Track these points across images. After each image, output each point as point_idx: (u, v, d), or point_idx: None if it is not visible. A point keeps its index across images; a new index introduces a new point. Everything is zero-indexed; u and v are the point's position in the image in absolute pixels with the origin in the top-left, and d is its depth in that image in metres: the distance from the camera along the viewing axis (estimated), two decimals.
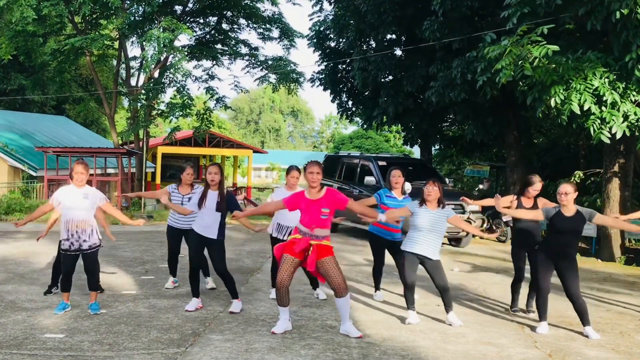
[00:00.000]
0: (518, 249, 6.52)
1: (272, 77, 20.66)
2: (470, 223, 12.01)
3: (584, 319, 5.67)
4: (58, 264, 6.62)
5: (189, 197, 6.70)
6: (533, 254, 6.33)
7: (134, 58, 21.54)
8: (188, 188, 6.87)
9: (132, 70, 20.79)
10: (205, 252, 6.24)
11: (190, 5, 20.16)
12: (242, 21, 21.14)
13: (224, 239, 6.16)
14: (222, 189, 6.05)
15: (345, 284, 5.31)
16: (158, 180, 24.42)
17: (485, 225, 13.34)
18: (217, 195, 6.01)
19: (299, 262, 5.34)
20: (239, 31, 21.58)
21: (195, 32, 20.89)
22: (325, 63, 18.40)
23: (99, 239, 5.97)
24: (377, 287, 7.07)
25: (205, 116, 19.74)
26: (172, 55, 17.99)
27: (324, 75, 18.69)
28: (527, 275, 6.59)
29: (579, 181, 11.91)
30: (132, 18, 18.39)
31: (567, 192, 5.61)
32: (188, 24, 19.72)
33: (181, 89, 19.08)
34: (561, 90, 8.92)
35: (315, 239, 5.29)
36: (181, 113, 19.20)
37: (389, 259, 6.99)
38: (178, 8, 19.88)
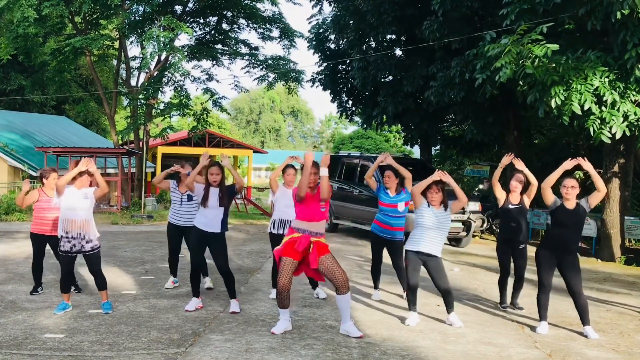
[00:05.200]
0: (503, 245, 6.71)
1: (272, 77, 20.65)
2: (470, 223, 12.03)
3: (584, 317, 5.68)
4: (36, 265, 6.65)
5: (187, 196, 6.86)
6: (518, 250, 6.61)
7: (134, 58, 21.56)
8: (186, 187, 6.91)
9: (132, 70, 20.80)
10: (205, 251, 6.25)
11: (190, 5, 20.16)
12: (242, 21, 21.15)
13: (224, 234, 6.17)
14: (222, 185, 6.07)
15: (348, 279, 5.32)
16: None
17: (485, 225, 13.35)
18: (218, 192, 6.03)
19: (298, 263, 5.35)
20: (239, 31, 21.60)
21: (195, 32, 20.90)
22: (325, 64, 18.41)
23: (98, 239, 5.98)
24: (375, 286, 7.07)
25: (202, 117, 19.72)
26: (171, 55, 17.98)
27: (323, 76, 18.69)
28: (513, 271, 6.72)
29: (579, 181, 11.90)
30: (132, 18, 18.39)
31: (574, 185, 5.67)
32: (188, 24, 19.72)
33: (179, 88, 19.08)
34: (561, 91, 8.92)
35: (315, 236, 5.30)
36: (178, 112, 19.20)
37: (387, 258, 6.98)
38: (178, 8, 19.88)
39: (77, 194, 5.81)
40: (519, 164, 6.41)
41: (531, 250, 6.62)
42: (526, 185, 6.62)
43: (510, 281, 6.83)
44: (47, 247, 6.65)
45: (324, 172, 5.21)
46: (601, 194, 5.72)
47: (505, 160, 6.53)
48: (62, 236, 5.82)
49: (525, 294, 7.02)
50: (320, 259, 5.24)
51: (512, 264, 6.73)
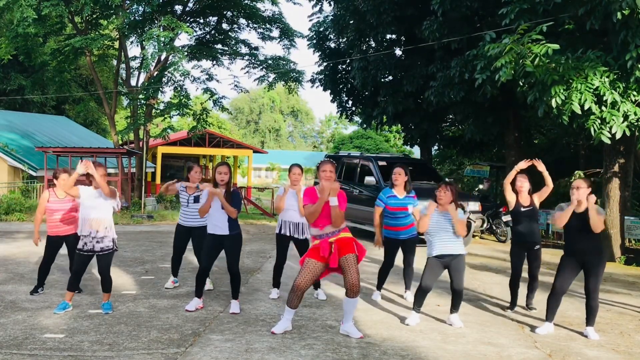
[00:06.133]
0: (518, 249, 6.65)
1: (272, 77, 20.66)
2: (470, 223, 12.02)
3: (590, 318, 5.66)
4: (44, 266, 6.67)
5: (194, 197, 6.86)
6: (533, 252, 6.57)
7: (134, 58, 21.56)
8: (194, 187, 6.92)
9: (132, 70, 20.80)
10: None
11: (190, 5, 20.17)
12: (242, 21, 21.16)
13: (240, 232, 6.17)
14: (228, 187, 6.06)
15: (359, 286, 5.29)
16: (158, 180, 24.44)
17: (485, 225, 13.34)
18: (224, 193, 6.01)
19: (324, 266, 5.32)
20: (238, 31, 21.61)
21: (195, 32, 20.90)
22: (325, 63, 18.42)
23: (112, 241, 5.96)
24: (379, 287, 7.06)
25: (202, 117, 19.74)
26: (171, 55, 18.00)
27: (323, 76, 18.70)
28: (524, 274, 6.69)
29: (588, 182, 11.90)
30: (132, 18, 18.39)
31: (579, 186, 5.63)
32: (188, 24, 19.72)
33: (179, 88, 19.08)
34: (562, 91, 8.92)
35: (332, 235, 5.29)
36: (177, 112, 19.22)
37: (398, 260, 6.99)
38: (178, 8, 19.89)
39: (92, 193, 5.85)
40: (540, 166, 6.39)
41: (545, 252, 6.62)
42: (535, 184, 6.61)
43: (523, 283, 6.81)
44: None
45: (334, 201, 5.21)
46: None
47: (522, 164, 6.46)
48: (79, 234, 5.92)
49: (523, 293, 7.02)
50: (344, 257, 5.23)
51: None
